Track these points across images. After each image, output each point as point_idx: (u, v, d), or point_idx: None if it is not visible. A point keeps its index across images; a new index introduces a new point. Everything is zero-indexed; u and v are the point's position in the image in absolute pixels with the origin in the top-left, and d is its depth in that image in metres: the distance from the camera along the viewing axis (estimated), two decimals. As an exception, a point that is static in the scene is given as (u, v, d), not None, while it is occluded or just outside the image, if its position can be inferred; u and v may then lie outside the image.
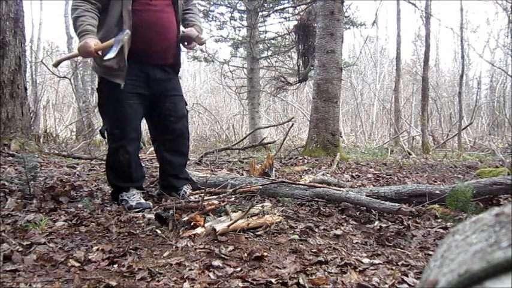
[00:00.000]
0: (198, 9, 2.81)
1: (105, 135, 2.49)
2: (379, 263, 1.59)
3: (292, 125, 7.99)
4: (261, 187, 2.69)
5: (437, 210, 2.44)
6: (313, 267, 1.51)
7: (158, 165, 2.82)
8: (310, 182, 3.16)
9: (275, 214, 2.20)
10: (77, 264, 1.48)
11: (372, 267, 1.54)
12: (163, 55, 2.48)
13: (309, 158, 5.94)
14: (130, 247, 1.68)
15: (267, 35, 12.22)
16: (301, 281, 1.37)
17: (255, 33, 11.19)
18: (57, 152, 5.34)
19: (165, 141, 2.65)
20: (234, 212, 2.16)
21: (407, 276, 1.45)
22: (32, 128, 6.09)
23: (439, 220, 2.33)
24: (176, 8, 2.52)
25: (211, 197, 2.41)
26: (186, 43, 2.58)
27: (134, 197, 2.45)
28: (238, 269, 1.48)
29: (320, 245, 1.81)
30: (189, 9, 2.66)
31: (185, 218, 1.97)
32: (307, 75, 9.75)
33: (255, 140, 9.66)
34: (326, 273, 1.47)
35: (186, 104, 2.72)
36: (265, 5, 11.39)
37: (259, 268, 1.50)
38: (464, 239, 0.51)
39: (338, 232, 2.01)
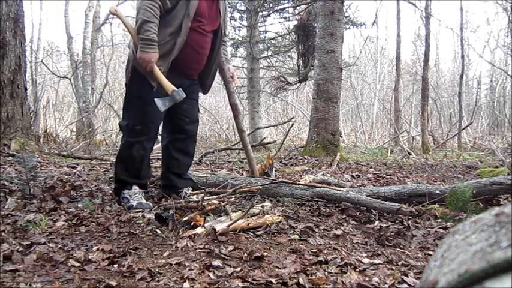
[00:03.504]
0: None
1: (123, 128, 2.53)
2: (379, 263, 1.59)
3: (292, 125, 7.99)
4: (261, 187, 2.69)
5: (437, 210, 2.44)
6: (313, 267, 1.51)
7: (161, 164, 2.84)
8: (310, 182, 3.17)
9: (275, 214, 2.20)
10: (77, 264, 1.48)
11: (372, 267, 1.54)
12: (194, 73, 2.63)
13: (309, 158, 5.95)
14: (130, 247, 1.68)
15: (267, 35, 12.22)
16: (301, 281, 1.37)
17: (255, 33, 11.19)
18: (57, 152, 5.34)
19: (175, 140, 2.71)
20: (234, 212, 2.16)
21: (407, 276, 1.45)
22: (32, 128, 6.09)
23: (439, 220, 2.33)
24: (216, 35, 2.61)
25: (211, 197, 2.41)
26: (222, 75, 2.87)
27: (136, 196, 2.46)
28: (238, 269, 1.48)
29: (320, 245, 1.81)
30: (224, 42, 2.83)
31: (185, 218, 1.97)
32: (307, 75, 9.75)
33: (255, 140, 9.66)
34: (326, 273, 1.47)
35: (199, 111, 2.83)
36: (265, 5, 11.39)
37: (259, 268, 1.50)
38: (464, 239, 0.51)
39: (338, 232, 2.01)
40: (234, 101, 3.10)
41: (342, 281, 1.39)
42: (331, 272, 1.48)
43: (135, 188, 2.51)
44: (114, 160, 2.77)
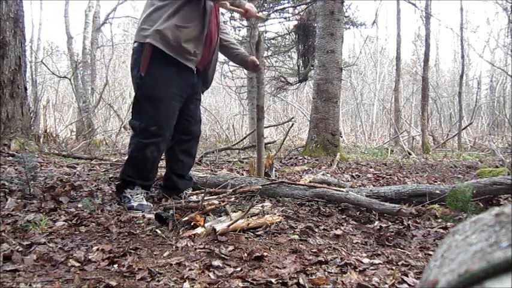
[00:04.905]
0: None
1: (136, 128, 2.46)
2: (379, 263, 1.59)
3: (292, 125, 7.99)
4: (261, 187, 2.69)
5: (437, 210, 2.44)
6: (313, 267, 1.51)
7: (165, 164, 2.83)
8: (310, 182, 3.17)
9: (275, 214, 2.20)
10: (77, 264, 1.48)
11: (372, 267, 1.54)
12: (203, 62, 2.60)
13: (309, 158, 5.95)
14: (130, 247, 1.68)
15: (267, 35, 12.21)
16: (301, 281, 1.37)
17: (255, 33, 11.18)
18: (57, 152, 5.33)
19: (181, 141, 2.69)
20: (234, 212, 2.16)
21: (407, 276, 1.45)
22: (32, 128, 6.09)
23: (439, 220, 2.33)
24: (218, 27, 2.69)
25: (211, 197, 2.41)
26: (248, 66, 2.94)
27: (137, 197, 2.45)
28: (238, 269, 1.48)
29: (320, 245, 1.81)
30: (226, 33, 2.89)
31: (185, 218, 1.97)
32: (307, 75, 9.75)
33: (255, 140, 9.63)
34: (326, 273, 1.47)
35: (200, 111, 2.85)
36: (265, 5, 11.38)
37: (259, 268, 1.50)
38: (464, 239, 0.51)
39: (338, 232, 2.01)
40: (261, 104, 3.10)
41: (342, 281, 1.39)
42: (331, 272, 1.48)
43: (138, 188, 2.49)
44: (124, 159, 2.76)
